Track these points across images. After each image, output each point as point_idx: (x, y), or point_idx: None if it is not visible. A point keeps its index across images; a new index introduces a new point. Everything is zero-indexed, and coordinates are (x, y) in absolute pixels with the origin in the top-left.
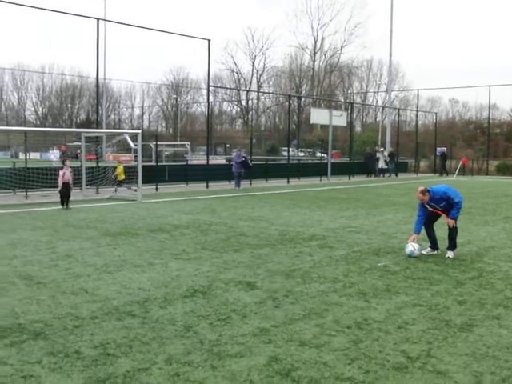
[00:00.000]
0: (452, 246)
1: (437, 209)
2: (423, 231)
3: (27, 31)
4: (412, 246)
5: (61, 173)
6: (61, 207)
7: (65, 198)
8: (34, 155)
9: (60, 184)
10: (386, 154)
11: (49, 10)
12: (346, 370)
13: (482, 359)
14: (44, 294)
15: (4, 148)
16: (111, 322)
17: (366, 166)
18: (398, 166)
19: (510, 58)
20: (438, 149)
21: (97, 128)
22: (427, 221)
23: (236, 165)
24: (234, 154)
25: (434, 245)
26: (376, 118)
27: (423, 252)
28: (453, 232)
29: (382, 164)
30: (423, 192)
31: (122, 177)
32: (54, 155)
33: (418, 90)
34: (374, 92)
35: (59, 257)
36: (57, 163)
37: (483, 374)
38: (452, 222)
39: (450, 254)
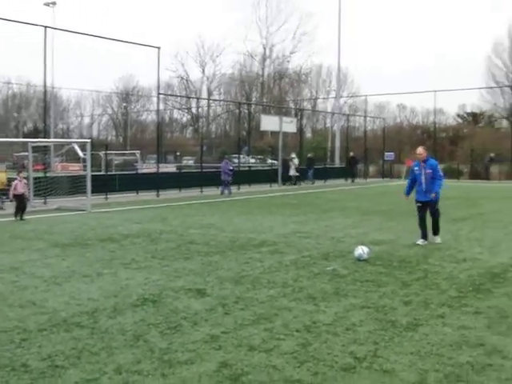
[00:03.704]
0: (437, 230)
1: (423, 171)
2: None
3: None
4: (361, 250)
5: (13, 184)
6: (14, 218)
7: (19, 209)
8: None
9: (11, 196)
10: (295, 161)
11: None
12: (295, 372)
13: (426, 357)
14: None
15: None
16: (59, 334)
17: (282, 173)
18: (315, 173)
19: (454, 64)
20: (387, 153)
21: (44, 137)
22: (420, 214)
23: (225, 173)
24: (223, 163)
25: (424, 236)
26: (326, 124)
27: (418, 242)
28: (436, 219)
29: (292, 171)
30: (425, 149)
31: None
32: None
33: (366, 95)
34: (324, 98)
35: (5, 269)
36: None
37: (428, 372)
38: (433, 195)
39: (438, 239)
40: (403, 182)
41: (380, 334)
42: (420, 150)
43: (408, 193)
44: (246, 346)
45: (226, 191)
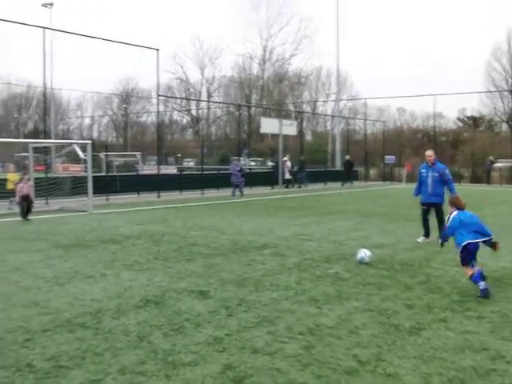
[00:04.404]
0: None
1: (430, 173)
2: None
3: None
4: (363, 253)
5: (18, 187)
6: (21, 219)
7: (26, 210)
8: None
9: (17, 197)
10: (288, 164)
11: None
12: (299, 375)
13: (429, 361)
14: None
15: None
16: (63, 335)
17: (272, 176)
18: (308, 176)
19: (454, 68)
20: (387, 157)
21: (45, 138)
22: (424, 215)
23: (234, 174)
24: (232, 165)
25: (427, 234)
26: (326, 127)
27: (418, 240)
28: (441, 220)
29: (287, 174)
30: (433, 151)
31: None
32: None
33: (365, 99)
34: (324, 101)
35: (9, 269)
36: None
37: (431, 376)
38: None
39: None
40: (404, 186)
41: (383, 337)
42: (429, 152)
43: (416, 194)
44: (250, 348)
45: (238, 193)
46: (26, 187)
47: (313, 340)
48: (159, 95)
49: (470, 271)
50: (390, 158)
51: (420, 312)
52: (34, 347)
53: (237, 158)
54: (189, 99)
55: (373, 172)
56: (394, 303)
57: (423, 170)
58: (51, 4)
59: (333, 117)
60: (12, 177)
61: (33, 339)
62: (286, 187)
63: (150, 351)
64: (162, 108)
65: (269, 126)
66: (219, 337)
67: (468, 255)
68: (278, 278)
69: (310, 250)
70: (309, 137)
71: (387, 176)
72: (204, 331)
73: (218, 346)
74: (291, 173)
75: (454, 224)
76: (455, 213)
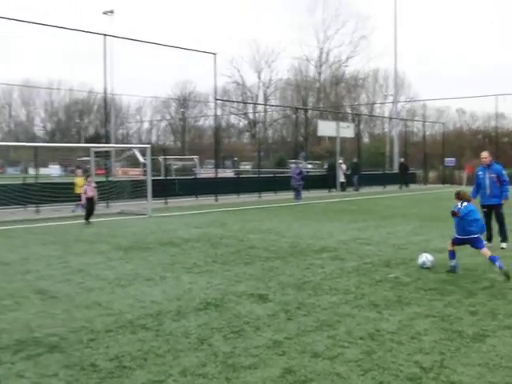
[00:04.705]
0: (503, 236)
1: (488, 175)
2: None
3: (35, 48)
4: (425, 257)
5: (83, 189)
6: (85, 221)
7: (90, 212)
8: (43, 170)
9: (83, 200)
10: (344, 166)
11: (57, 27)
12: (360, 381)
13: (495, 370)
14: (58, 307)
15: (14, 163)
16: (126, 335)
17: (326, 179)
18: (361, 179)
19: None
20: (447, 159)
21: (106, 143)
22: (485, 217)
23: (293, 178)
24: (292, 168)
25: (489, 238)
26: (383, 129)
27: (502, 246)
28: (501, 223)
29: (341, 177)
30: (489, 153)
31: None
32: (54, 170)
33: (424, 100)
34: (381, 103)
35: (72, 271)
36: (60, 177)
37: None
38: (503, 200)
39: (503, 244)
40: (464, 189)
41: (446, 344)
42: (484, 154)
43: (474, 196)
44: (310, 352)
45: (297, 198)
46: (90, 189)
47: (373, 345)
48: (217, 99)
49: (451, 247)
50: (449, 161)
51: (484, 318)
52: (98, 347)
53: (296, 161)
54: (246, 102)
55: (432, 175)
56: (457, 309)
57: (480, 172)
58: (112, 11)
59: (390, 119)
60: (80, 181)
61: (96, 339)
62: (343, 190)
63: (210, 354)
64: (219, 112)
65: (326, 128)
66: (279, 340)
67: (459, 242)
68: (337, 282)
69: (369, 254)
70: (366, 139)
71: (447, 179)
72: (264, 334)
73: (277, 350)
74: (345, 176)
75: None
76: (465, 203)
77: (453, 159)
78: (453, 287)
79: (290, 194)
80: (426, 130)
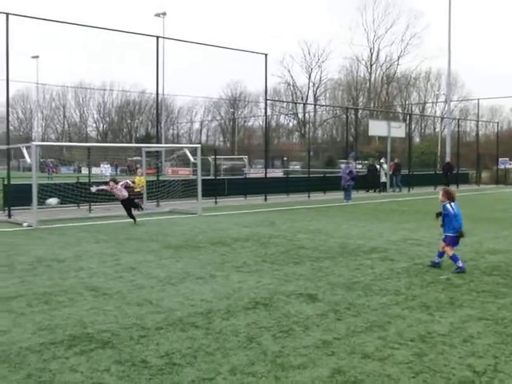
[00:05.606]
0: None
1: None
2: None
3: (88, 50)
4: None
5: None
6: (132, 220)
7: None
8: (95, 170)
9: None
10: (385, 166)
11: (110, 30)
12: (411, 383)
13: None
14: (110, 304)
15: (68, 163)
16: (176, 333)
17: (366, 179)
18: (403, 180)
19: None
20: (501, 159)
21: (156, 143)
22: None
23: (343, 177)
24: (343, 167)
25: None
26: (435, 129)
27: None
28: None
29: (383, 178)
30: None
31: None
32: (105, 169)
33: (478, 99)
34: (433, 102)
35: (123, 269)
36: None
37: None
38: None
39: None
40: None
41: (500, 347)
42: None
43: None
44: (360, 353)
45: (347, 199)
46: (118, 190)
47: (424, 347)
48: (267, 99)
49: (452, 251)
50: (504, 161)
51: None
52: (148, 344)
53: (346, 161)
54: (296, 102)
55: (485, 175)
56: None
57: None
58: (164, 13)
59: (442, 118)
60: (140, 180)
61: (147, 336)
62: (380, 191)
63: (259, 352)
64: (269, 112)
65: (377, 128)
66: (328, 340)
67: (458, 238)
68: (387, 283)
69: (420, 255)
70: (416, 139)
71: (500, 179)
72: (313, 334)
73: (326, 350)
74: (387, 176)
75: (458, 211)
76: (452, 203)
77: (507, 159)
78: (507, 290)
79: (340, 194)
80: (480, 130)
